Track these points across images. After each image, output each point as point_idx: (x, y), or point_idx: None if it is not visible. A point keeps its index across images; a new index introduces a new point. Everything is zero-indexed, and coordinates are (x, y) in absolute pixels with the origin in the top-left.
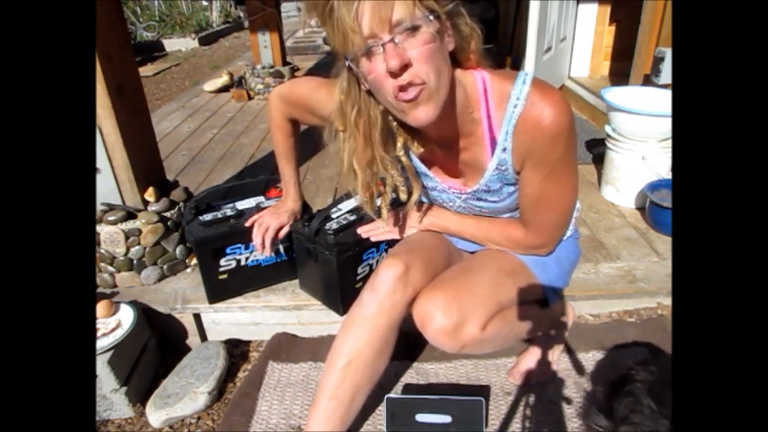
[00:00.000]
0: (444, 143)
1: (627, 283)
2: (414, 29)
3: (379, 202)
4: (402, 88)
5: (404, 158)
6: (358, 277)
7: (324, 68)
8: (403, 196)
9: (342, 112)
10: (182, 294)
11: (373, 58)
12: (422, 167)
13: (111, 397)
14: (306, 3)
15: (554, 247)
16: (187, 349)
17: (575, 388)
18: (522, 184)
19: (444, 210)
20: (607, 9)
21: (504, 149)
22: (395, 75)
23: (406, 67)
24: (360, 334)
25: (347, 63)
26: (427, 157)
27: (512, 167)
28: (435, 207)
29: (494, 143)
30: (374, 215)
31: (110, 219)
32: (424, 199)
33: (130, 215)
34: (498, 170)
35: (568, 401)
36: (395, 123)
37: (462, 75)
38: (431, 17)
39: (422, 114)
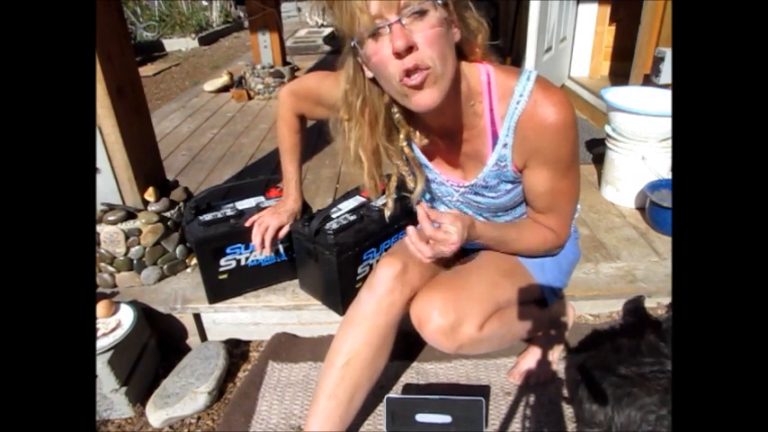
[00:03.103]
0: (446, 135)
1: (627, 283)
2: (421, 13)
3: (383, 199)
4: (408, 73)
5: (407, 149)
6: (358, 277)
7: (324, 67)
8: (410, 184)
9: (347, 100)
10: (182, 294)
11: (380, 39)
12: (422, 159)
13: (111, 397)
14: None
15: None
16: (187, 349)
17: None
18: (532, 183)
19: (484, 220)
20: (607, 9)
21: (505, 145)
22: (400, 56)
23: (411, 49)
24: (358, 333)
25: (353, 44)
26: (428, 148)
27: (511, 164)
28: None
29: (495, 137)
30: (376, 202)
31: (110, 219)
32: (426, 193)
33: (130, 215)
34: (497, 166)
35: (568, 401)
36: (398, 115)
37: (467, 67)
38: (439, 2)
39: (425, 99)
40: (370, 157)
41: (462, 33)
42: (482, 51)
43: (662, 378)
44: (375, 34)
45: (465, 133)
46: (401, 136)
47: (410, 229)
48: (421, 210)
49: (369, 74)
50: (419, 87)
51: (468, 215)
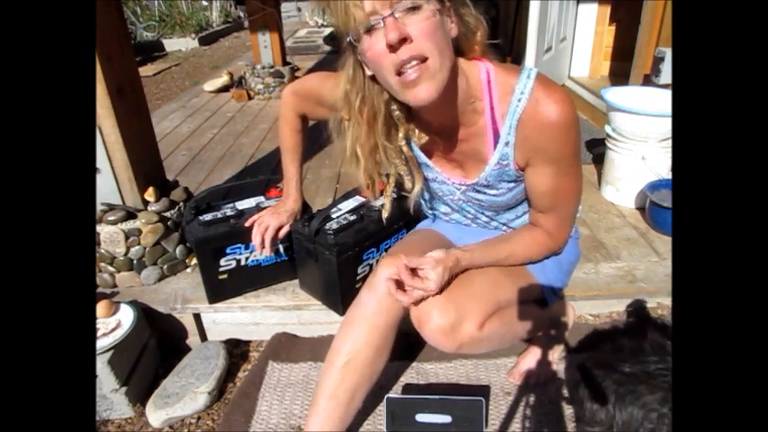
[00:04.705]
0: (445, 133)
1: (627, 283)
2: (415, 8)
3: (382, 200)
4: (403, 69)
5: (405, 148)
6: (358, 277)
7: (324, 67)
8: (408, 185)
9: (347, 100)
10: (182, 294)
11: (374, 34)
12: (423, 158)
13: (111, 397)
14: None
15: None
16: (187, 349)
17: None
18: (535, 182)
19: (472, 246)
20: (607, 9)
21: (507, 143)
22: (394, 48)
23: (404, 40)
24: (358, 333)
25: (349, 39)
26: (428, 147)
27: (513, 163)
28: (462, 249)
29: (496, 135)
30: (375, 202)
31: (110, 219)
32: (425, 193)
33: (130, 215)
34: (499, 165)
35: (568, 401)
36: (397, 113)
37: (466, 64)
38: None
39: (422, 93)
40: (366, 156)
41: (460, 30)
42: (481, 49)
43: (666, 375)
44: (370, 30)
45: (465, 132)
46: (400, 135)
47: (390, 283)
48: (401, 261)
49: (368, 72)
50: (416, 82)
51: (451, 253)
